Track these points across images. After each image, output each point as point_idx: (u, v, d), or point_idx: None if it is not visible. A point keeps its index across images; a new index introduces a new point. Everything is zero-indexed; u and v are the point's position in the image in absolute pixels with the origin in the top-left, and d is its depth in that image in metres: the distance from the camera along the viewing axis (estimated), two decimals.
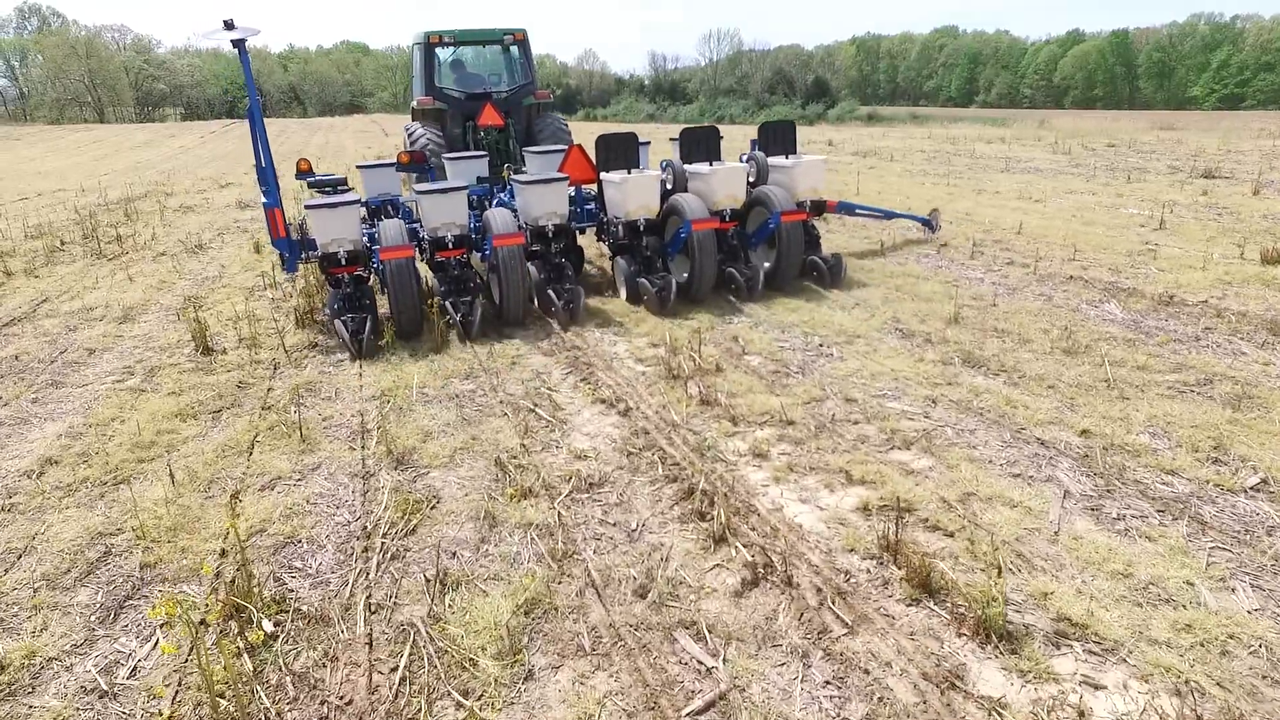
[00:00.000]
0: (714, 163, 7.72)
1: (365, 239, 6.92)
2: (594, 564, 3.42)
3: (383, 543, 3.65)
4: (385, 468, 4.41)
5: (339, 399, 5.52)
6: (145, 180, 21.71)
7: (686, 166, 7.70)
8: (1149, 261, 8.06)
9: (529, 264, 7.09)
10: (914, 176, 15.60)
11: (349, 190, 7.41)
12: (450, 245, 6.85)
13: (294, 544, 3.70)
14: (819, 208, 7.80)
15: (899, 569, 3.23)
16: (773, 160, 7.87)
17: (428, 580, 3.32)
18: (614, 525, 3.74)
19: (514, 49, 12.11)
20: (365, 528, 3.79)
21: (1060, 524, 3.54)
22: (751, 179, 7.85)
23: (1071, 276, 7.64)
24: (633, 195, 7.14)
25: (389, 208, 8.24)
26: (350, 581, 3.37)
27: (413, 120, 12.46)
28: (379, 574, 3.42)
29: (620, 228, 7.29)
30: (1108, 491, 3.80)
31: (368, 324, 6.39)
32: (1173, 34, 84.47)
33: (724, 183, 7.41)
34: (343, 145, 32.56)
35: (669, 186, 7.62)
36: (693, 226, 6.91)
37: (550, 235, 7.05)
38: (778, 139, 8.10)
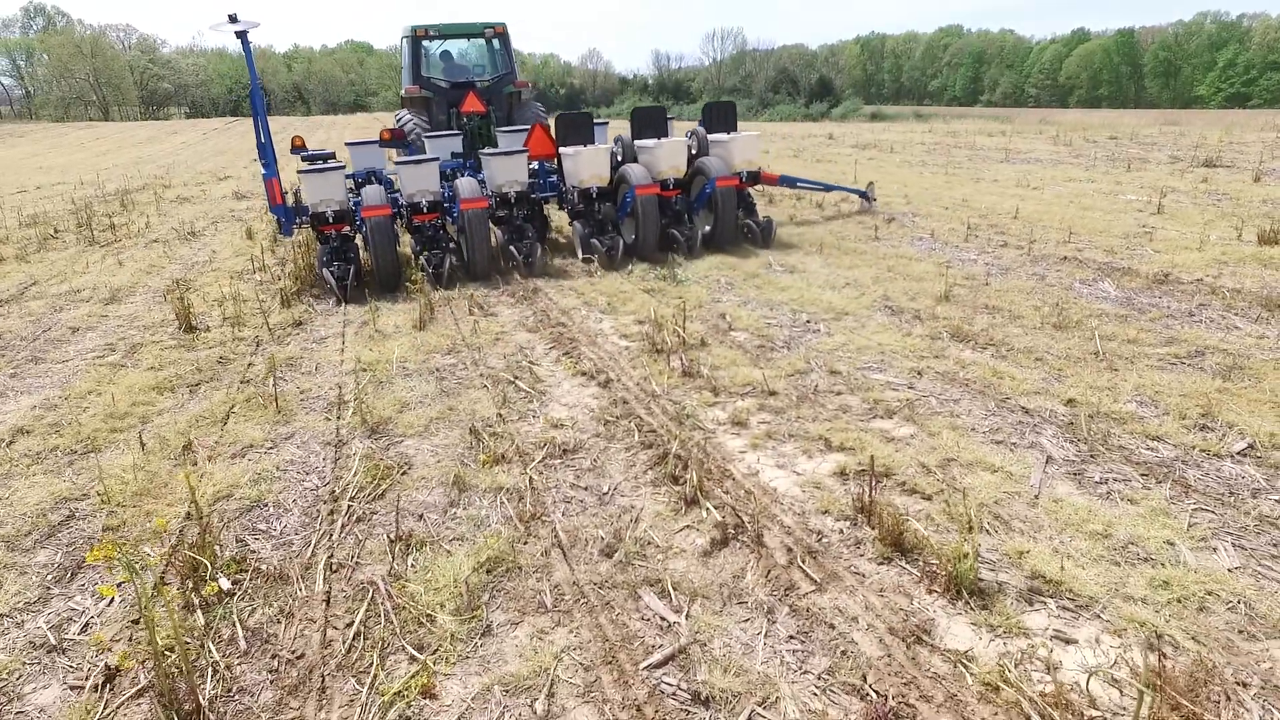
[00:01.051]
0: (661, 138, 8.69)
1: (351, 202, 7.82)
2: (562, 525, 3.35)
3: (349, 505, 3.58)
4: (359, 436, 4.35)
5: (319, 373, 5.46)
6: (145, 174, 21.74)
7: (636, 141, 8.66)
8: (1145, 243, 7.96)
9: (498, 227, 8.33)
10: (912, 166, 15.50)
11: (341, 165, 8.03)
12: (425, 210, 7.80)
13: (260, 508, 3.64)
14: (754, 178, 8.71)
15: (872, 529, 3.15)
16: (714, 136, 8.78)
17: (391, 540, 3.25)
18: (585, 489, 3.67)
19: (495, 41, 12.82)
20: (334, 492, 3.73)
21: (1041, 488, 3.46)
22: (694, 152, 8.75)
23: (1066, 258, 7.55)
24: (585, 166, 8.13)
25: (373, 178, 8.76)
26: (313, 543, 3.30)
27: (402, 108, 13.17)
28: (343, 535, 3.36)
29: (576, 195, 8.32)
30: (1091, 457, 3.72)
31: (350, 272, 7.49)
32: (1179, 33, 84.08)
33: (667, 155, 8.31)
34: (342, 141, 32.54)
35: (619, 159, 8.68)
36: (636, 192, 7.94)
37: (513, 201, 8.09)
38: (720, 118, 9.07)
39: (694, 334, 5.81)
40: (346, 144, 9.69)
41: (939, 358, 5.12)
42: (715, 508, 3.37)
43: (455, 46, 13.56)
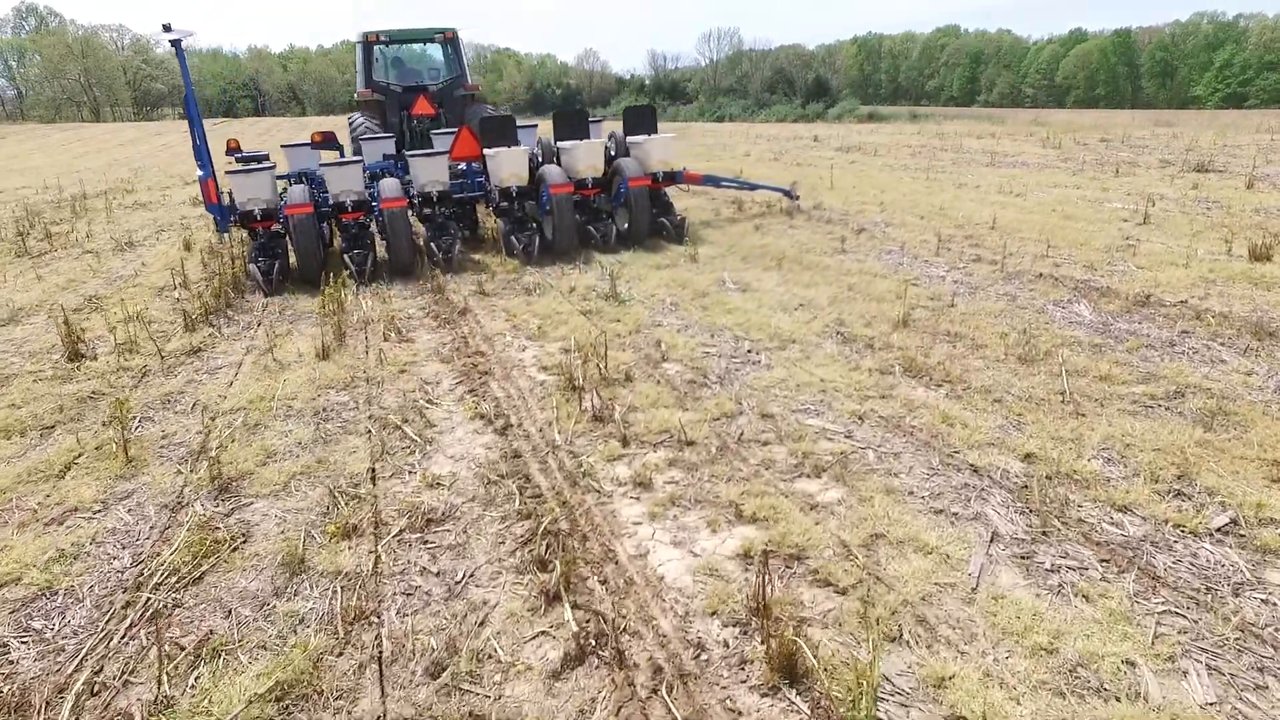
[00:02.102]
0: (582, 140, 8.97)
1: (280, 202, 8.22)
2: (391, 629, 2.75)
3: (149, 598, 2.98)
4: (204, 497, 3.75)
5: (194, 413, 4.85)
6: (113, 177, 21.11)
7: (558, 143, 8.96)
8: (1127, 258, 7.37)
9: (424, 225, 8.80)
10: (894, 171, 14.90)
11: (271, 165, 8.45)
12: (350, 209, 8.17)
13: (46, 597, 3.03)
14: (670, 178, 9.13)
15: (762, 644, 2.55)
16: (633, 138, 9.11)
17: (177, 650, 2.65)
18: (437, 575, 3.06)
19: (447, 46, 13.10)
20: (141, 575, 3.12)
21: (980, 578, 2.87)
22: (613, 154, 9.11)
23: (1041, 274, 6.95)
24: (505, 166, 8.50)
25: (304, 179, 8.98)
26: (84, 651, 2.70)
27: (355, 111, 13.47)
28: (125, 639, 2.75)
29: (497, 193, 8.69)
30: (1043, 534, 3.12)
31: (275, 266, 7.88)
32: (1175, 33, 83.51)
33: (584, 156, 8.67)
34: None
35: (540, 159, 9.02)
36: (551, 191, 8.37)
37: (435, 200, 8.51)
38: (640, 121, 9.36)
39: (622, 365, 5.21)
40: (282, 146, 9.99)
41: (886, 397, 4.52)
42: (579, 606, 2.77)
43: (408, 51, 13.82)
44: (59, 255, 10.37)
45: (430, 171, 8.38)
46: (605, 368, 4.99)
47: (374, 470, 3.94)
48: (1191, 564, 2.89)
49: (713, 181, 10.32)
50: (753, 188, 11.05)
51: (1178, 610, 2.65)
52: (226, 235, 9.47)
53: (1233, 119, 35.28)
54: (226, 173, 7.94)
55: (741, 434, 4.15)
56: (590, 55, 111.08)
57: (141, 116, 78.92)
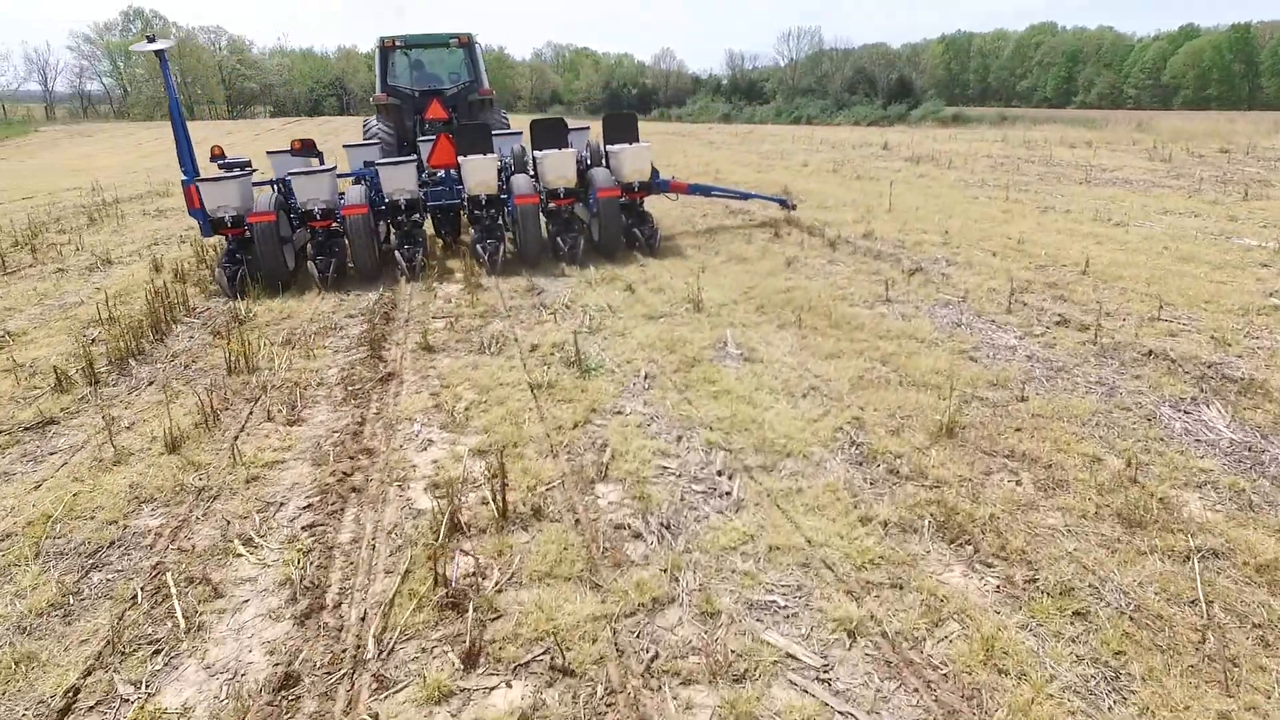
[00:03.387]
0: (560, 148, 8.76)
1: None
2: None
3: None
4: None
5: None
6: (158, 180, 20.84)
7: (535, 151, 8.79)
8: (1276, 327, 5.46)
9: (395, 232, 8.95)
10: (967, 188, 12.91)
11: (252, 172, 8.57)
12: (318, 217, 8.22)
13: None
14: (646, 188, 8.85)
15: None
16: (610, 147, 8.83)
17: None
18: None
19: (462, 51, 13.20)
20: None
21: None
22: (588, 163, 8.85)
23: (1151, 352, 5.13)
24: (474, 174, 8.39)
25: (280, 185, 8.82)
26: None
27: (373, 115, 13.56)
28: None
29: (468, 201, 8.61)
30: None
31: (238, 273, 7.97)
32: None
33: (554, 165, 8.41)
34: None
35: (512, 169, 8.85)
36: (515, 201, 8.22)
37: (403, 207, 8.46)
38: (621, 128, 9.07)
39: (540, 486, 3.74)
40: (267, 153, 10.01)
41: (899, 587, 2.91)
42: None
43: (427, 56, 13.87)
44: (29, 274, 9.59)
45: (398, 179, 8.35)
46: (503, 502, 3.51)
47: (78, 689, 2.57)
48: None
49: (702, 191, 10.02)
50: (744, 197, 10.65)
51: None
52: (210, 238, 9.60)
53: None
54: (197, 180, 8.02)
55: (654, 658, 2.61)
56: (667, 55, 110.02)
57: (234, 115, 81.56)
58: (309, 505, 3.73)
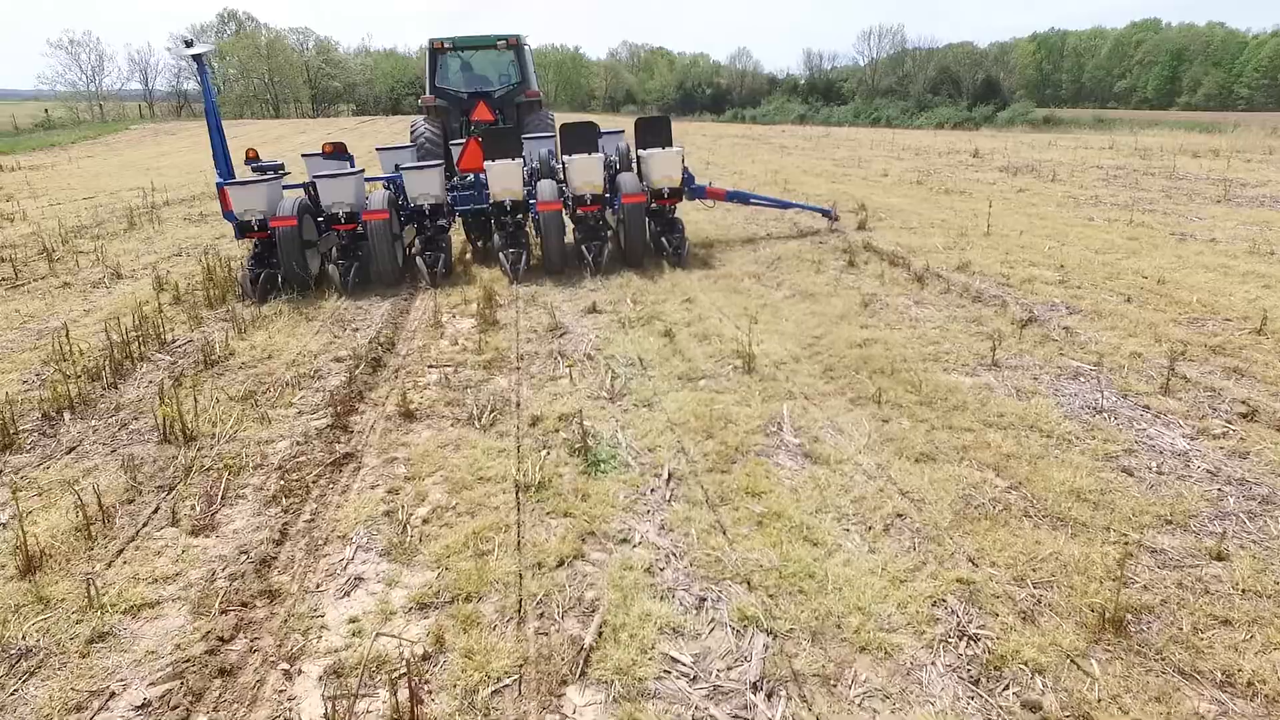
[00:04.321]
0: (590, 153, 8.42)
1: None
2: None
3: None
4: None
5: None
6: (213, 181, 20.58)
7: (563, 157, 8.56)
8: None
9: (418, 237, 8.79)
10: (1079, 206, 11.10)
11: (285, 175, 8.54)
12: (343, 220, 8.04)
13: None
14: (677, 194, 8.40)
15: None
16: (642, 153, 8.56)
17: None
18: None
19: (511, 53, 13.16)
20: None
21: None
22: (617, 169, 8.61)
23: None
24: (498, 179, 8.20)
25: (310, 188, 8.71)
26: None
27: (420, 116, 13.59)
28: None
29: (493, 207, 8.43)
30: None
31: (261, 276, 7.88)
32: None
33: (579, 171, 8.10)
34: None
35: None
36: (537, 208, 8.09)
37: (427, 212, 8.37)
38: (653, 133, 8.86)
39: (491, 675, 2.50)
40: (303, 155, 9.91)
41: None
42: None
43: (476, 58, 13.88)
44: (34, 288, 8.94)
45: (422, 184, 8.30)
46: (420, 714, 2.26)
47: None
48: None
49: (740, 198, 9.63)
50: (785, 206, 10.34)
51: None
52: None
53: None
54: (220, 184, 8.06)
55: None
56: (743, 54, 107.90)
57: (319, 113, 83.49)
58: (144, 705, 2.55)
